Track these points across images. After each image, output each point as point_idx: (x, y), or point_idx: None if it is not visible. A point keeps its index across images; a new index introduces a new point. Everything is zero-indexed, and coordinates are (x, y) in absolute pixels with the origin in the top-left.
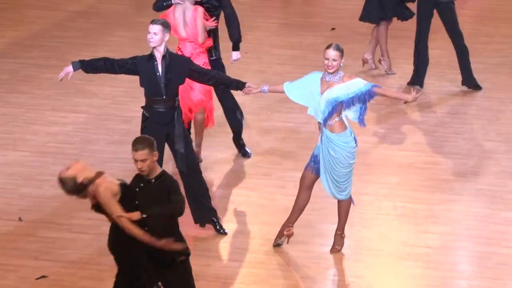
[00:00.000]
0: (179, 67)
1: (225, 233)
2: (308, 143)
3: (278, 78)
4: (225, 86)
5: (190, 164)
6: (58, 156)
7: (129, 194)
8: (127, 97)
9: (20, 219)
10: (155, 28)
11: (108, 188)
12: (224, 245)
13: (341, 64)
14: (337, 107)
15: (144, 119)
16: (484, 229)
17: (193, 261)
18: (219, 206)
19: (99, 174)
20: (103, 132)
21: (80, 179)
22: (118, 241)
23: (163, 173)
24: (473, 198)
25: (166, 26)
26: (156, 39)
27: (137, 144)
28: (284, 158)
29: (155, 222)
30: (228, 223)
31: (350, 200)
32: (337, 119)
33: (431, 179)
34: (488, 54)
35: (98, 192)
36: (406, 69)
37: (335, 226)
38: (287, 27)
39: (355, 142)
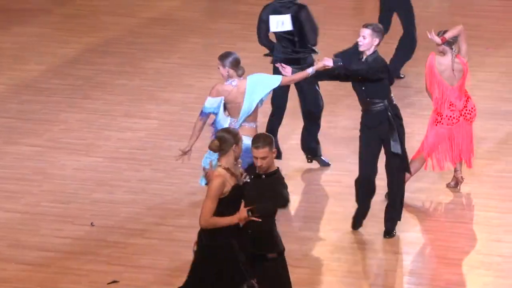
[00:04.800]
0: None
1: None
2: None
3: None
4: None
5: (398, 164)
6: (130, 162)
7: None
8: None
9: (92, 224)
10: (365, 32)
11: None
12: (297, 251)
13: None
14: None
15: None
16: None
17: None
18: (297, 214)
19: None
20: (175, 138)
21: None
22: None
23: (277, 171)
24: None
25: (378, 30)
26: (365, 43)
27: (258, 141)
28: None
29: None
30: (303, 231)
31: None
32: None
33: (504, 188)
34: None
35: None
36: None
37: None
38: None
39: None
